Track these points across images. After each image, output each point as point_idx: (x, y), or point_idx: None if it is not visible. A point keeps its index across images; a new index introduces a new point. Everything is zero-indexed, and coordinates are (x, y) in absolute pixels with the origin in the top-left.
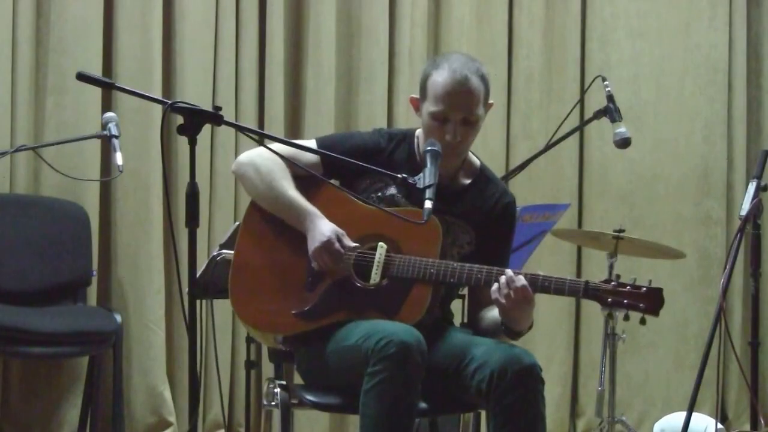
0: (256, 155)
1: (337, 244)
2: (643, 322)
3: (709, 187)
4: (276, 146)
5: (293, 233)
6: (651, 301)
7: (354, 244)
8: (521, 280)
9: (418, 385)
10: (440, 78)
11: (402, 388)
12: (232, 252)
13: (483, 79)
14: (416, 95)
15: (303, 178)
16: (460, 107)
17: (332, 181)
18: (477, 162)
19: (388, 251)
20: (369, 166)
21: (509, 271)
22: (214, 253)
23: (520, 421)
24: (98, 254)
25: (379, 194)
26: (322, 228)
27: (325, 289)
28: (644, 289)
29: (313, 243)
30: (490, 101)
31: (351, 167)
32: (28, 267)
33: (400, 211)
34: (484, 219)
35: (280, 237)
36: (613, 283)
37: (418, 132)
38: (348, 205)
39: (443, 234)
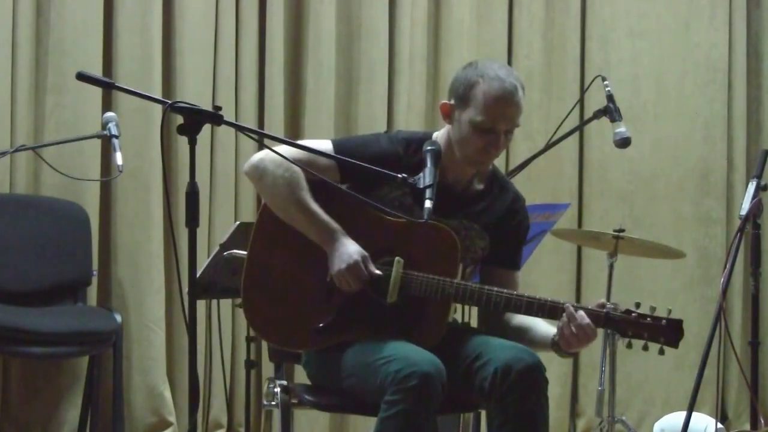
0: (270, 162)
1: (363, 269)
2: (661, 352)
3: (709, 187)
4: (288, 149)
5: (307, 240)
6: (671, 333)
7: (378, 272)
8: (584, 318)
9: (435, 418)
10: (490, 88)
11: (419, 422)
12: (242, 252)
13: (523, 89)
14: (448, 101)
15: (316, 183)
16: (508, 119)
17: (344, 186)
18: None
19: (404, 267)
20: (368, 165)
21: (570, 308)
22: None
23: (522, 419)
24: (98, 254)
25: (397, 204)
26: (349, 249)
27: (342, 303)
28: (664, 321)
29: (340, 264)
30: None
31: (369, 176)
32: (28, 267)
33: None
34: (499, 224)
35: (294, 242)
36: (633, 314)
37: (437, 135)
38: (363, 214)
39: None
